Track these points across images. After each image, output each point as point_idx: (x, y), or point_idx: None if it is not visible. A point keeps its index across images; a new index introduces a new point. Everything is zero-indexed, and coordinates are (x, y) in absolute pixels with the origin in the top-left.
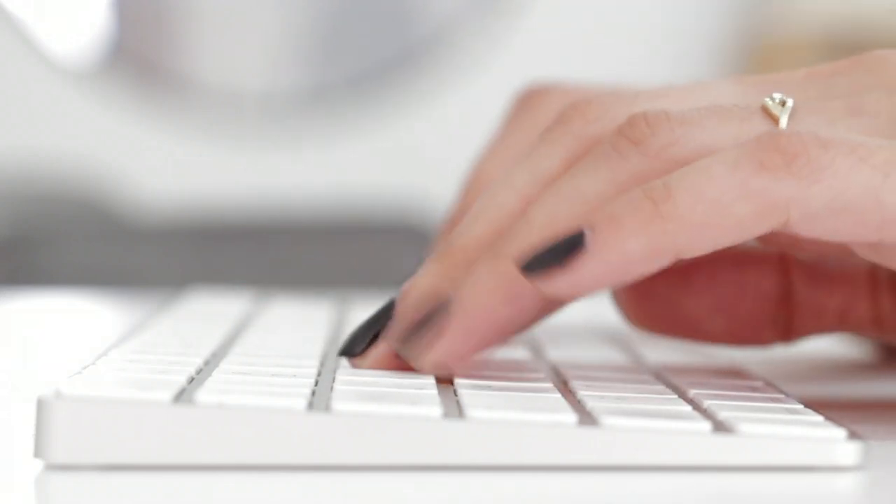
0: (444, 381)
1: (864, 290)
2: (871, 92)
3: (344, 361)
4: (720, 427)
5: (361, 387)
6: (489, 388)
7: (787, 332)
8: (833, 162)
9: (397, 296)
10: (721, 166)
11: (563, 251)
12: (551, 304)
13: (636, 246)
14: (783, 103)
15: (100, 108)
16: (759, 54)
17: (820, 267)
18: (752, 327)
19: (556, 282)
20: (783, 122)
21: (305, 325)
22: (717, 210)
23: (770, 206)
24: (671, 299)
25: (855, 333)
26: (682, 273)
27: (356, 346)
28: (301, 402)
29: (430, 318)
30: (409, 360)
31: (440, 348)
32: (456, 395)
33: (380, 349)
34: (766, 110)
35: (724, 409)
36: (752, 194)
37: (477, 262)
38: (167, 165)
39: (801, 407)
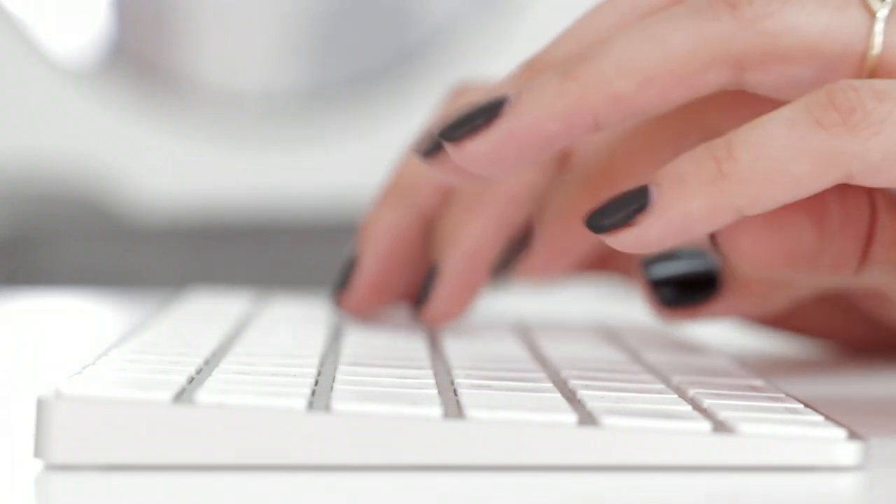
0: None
1: None
2: None
3: (343, 360)
4: (720, 427)
5: (361, 387)
6: (489, 388)
7: (863, 265)
8: (890, 114)
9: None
10: (779, 124)
11: (628, 207)
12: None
13: (699, 205)
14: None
15: (100, 108)
16: None
17: (891, 193)
18: (851, 254)
19: (622, 238)
20: (881, 19)
21: (305, 325)
22: (777, 168)
23: (829, 163)
24: (793, 227)
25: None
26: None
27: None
28: (301, 402)
29: (484, 109)
30: (447, 141)
31: (478, 142)
32: (456, 395)
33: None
34: (864, 3)
35: (724, 408)
36: (811, 152)
37: (545, 77)
38: (167, 165)
39: (801, 407)
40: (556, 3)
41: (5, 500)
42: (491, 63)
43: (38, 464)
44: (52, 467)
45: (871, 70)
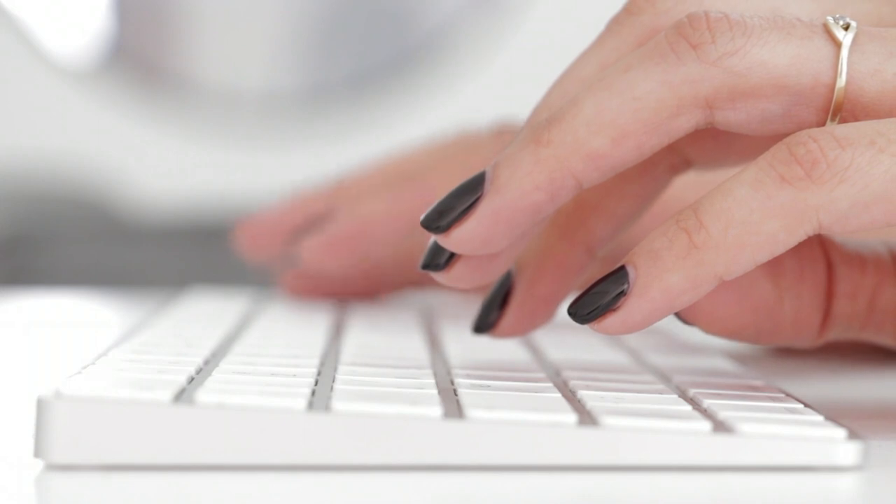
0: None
1: (892, 273)
2: None
3: (343, 360)
4: (720, 427)
5: (361, 387)
6: (489, 388)
7: (826, 318)
8: (853, 160)
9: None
10: (744, 186)
11: (609, 294)
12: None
13: (678, 279)
14: (846, 26)
15: (100, 108)
16: None
17: (850, 246)
18: (810, 311)
19: (608, 324)
20: (845, 50)
21: (305, 325)
22: (749, 231)
23: (799, 217)
24: (752, 287)
25: (878, 329)
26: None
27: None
28: (301, 402)
29: (462, 194)
30: (434, 233)
31: (467, 227)
32: (456, 395)
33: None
34: (828, 31)
35: (724, 408)
36: (780, 209)
37: (516, 142)
38: (167, 165)
39: (801, 406)
40: (556, 3)
41: (5, 500)
42: (491, 63)
43: (38, 464)
44: (52, 467)
45: (839, 100)
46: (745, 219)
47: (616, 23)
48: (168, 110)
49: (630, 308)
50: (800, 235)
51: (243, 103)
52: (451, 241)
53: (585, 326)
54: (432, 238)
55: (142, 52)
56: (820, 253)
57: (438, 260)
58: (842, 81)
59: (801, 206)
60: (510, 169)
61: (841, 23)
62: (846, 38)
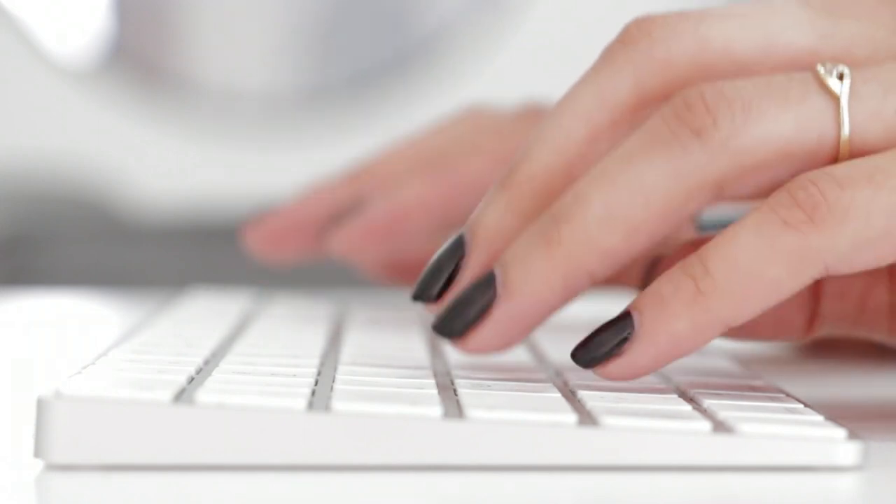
0: (444, 384)
1: (884, 278)
2: None
3: (343, 360)
4: (720, 427)
5: (361, 387)
6: (489, 388)
7: (812, 318)
8: (853, 199)
9: (465, 230)
10: (748, 233)
11: (614, 339)
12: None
13: (684, 326)
14: (841, 76)
15: (100, 108)
16: None
17: None
18: (791, 308)
19: (612, 369)
20: (844, 102)
21: (305, 325)
22: (753, 277)
23: (803, 261)
24: None
25: (869, 327)
26: None
27: (431, 289)
28: (301, 402)
29: (472, 296)
30: (448, 339)
31: (484, 333)
32: (456, 395)
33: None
34: (822, 84)
35: (724, 408)
36: (783, 254)
37: (524, 243)
38: (167, 165)
39: (801, 407)
40: (556, 3)
41: (5, 500)
42: (491, 63)
43: (38, 464)
44: (52, 467)
45: (844, 151)
46: (750, 265)
47: (610, 53)
48: (168, 110)
49: (635, 353)
50: (805, 280)
51: (243, 103)
52: (469, 345)
53: (585, 326)
54: (428, 265)
55: (142, 52)
56: None
57: (431, 291)
58: (845, 133)
59: (805, 250)
60: (523, 272)
61: (834, 73)
62: (843, 90)
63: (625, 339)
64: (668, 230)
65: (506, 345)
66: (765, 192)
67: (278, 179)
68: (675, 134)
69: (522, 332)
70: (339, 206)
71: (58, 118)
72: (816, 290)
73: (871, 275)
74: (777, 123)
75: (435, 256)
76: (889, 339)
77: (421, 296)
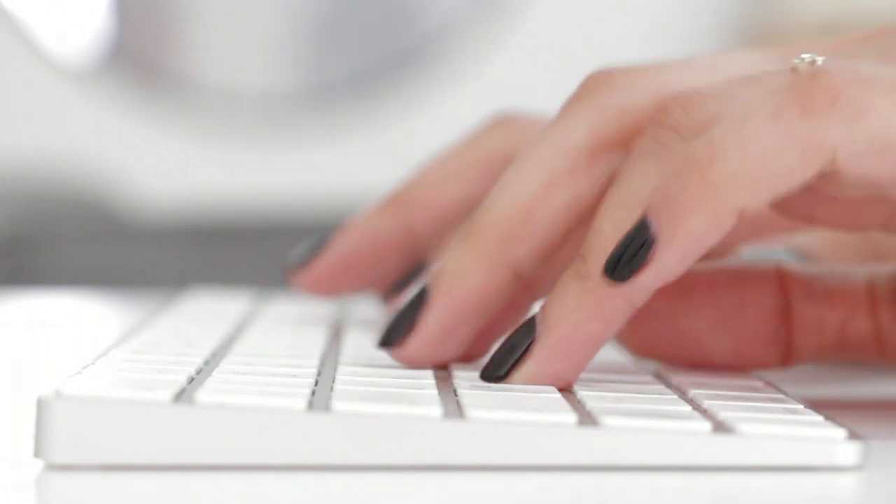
0: (445, 382)
1: (863, 305)
2: None
3: (343, 359)
4: (720, 427)
5: (361, 387)
6: (489, 388)
7: (789, 351)
8: (874, 100)
9: (428, 280)
10: (763, 117)
11: (636, 250)
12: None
13: (700, 221)
14: (813, 62)
15: (100, 108)
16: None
17: (818, 281)
18: (754, 344)
19: (642, 280)
20: (818, 59)
21: (305, 325)
22: (766, 162)
23: (817, 149)
24: (671, 318)
25: (855, 355)
26: (681, 291)
27: (394, 336)
28: (301, 402)
29: (514, 341)
30: (496, 381)
31: (530, 369)
32: (456, 395)
33: (418, 341)
34: (795, 72)
35: (724, 409)
36: (799, 140)
37: (561, 285)
38: (167, 165)
39: (801, 407)
40: (556, 3)
41: (5, 500)
42: (491, 63)
43: (38, 464)
44: (52, 467)
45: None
46: (763, 151)
47: (569, 103)
48: (168, 110)
49: (661, 260)
50: (815, 169)
51: (243, 103)
52: (516, 380)
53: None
54: (393, 313)
55: (142, 52)
56: (772, 289)
57: (395, 339)
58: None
59: (821, 138)
60: (559, 306)
61: (808, 59)
62: (817, 59)
63: (649, 246)
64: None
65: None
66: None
67: (278, 179)
68: (656, 139)
69: (574, 368)
70: (387, 237)
71: (58, 118)
72: (787, 325)
73: (848, 304)
74: (750, 101)
75: (399, 306)
76: (880, 362)
77: (385, 343)
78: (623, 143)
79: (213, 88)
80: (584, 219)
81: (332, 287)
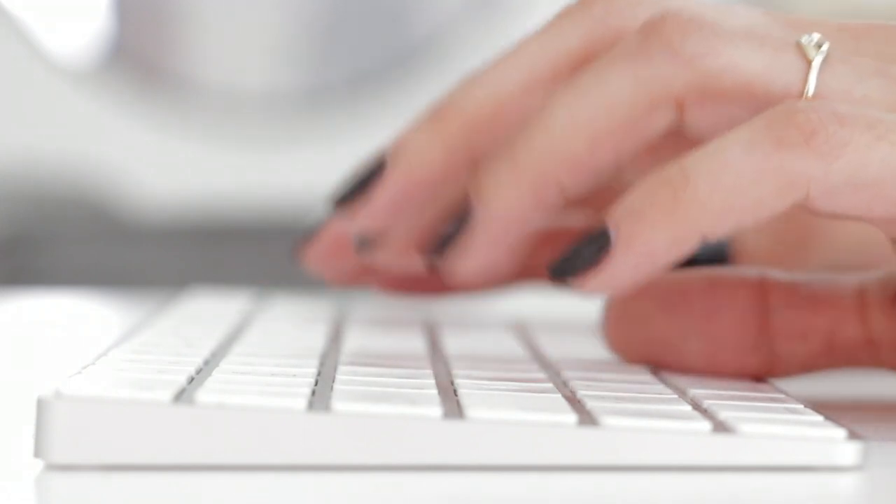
0: (444, 383)
1: (852, 311)
2: None
3: (343, 360)
4: (720, 427)
5: (361, 387)
6: (489, 388)
7: (772, 359)
8: (851, 138)
9: (387, 151)
10: (737, 147)
11: (591, 251)
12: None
13: (661, 236)
14: (819, 46)
15: (100, 108)
16: None
17: (802, 287)
18: (731, 351)
19: (590, 282)
20: (816, 65)
21: (305, 325)
22: (737, 192)
23: (790, 184)
24: (644, 320)
25: (847, 361)
26: (656, 293)
27: (345, 196)
28: (301, 402)
29: (456, 228)
30: (441, 271)
31: (469, 260)
32: (456, 395)
33: (366, 211)
34: (800, 48)
35: (724, 409)
36: (772, 173)
37: (493, 166)
38: (167, 165)
39: (801, 407)
40: (556, 3)
41: (5, 500)
42: None
43: (38, 464)
44: (52, 467)
45: None
46: (735, 180)
47: (565, 11)
48: (168, 110)
49: (612, 264)
50: (787, 203)
51: (243, 103)
52: (459, 276)
53: (585, 326)
54: (348, 176)
55: (142, 52)
56: (749, 294)
57: (344, 196)
58: (809, 94)
59: (795, 172)
60: (492, 187)
61: (813, 43)
62: (817, 57)
63: (601, 250)
64: (633, 145)
65: (488, 266)
66: (719, 133)
67: (278, 179)
68: (642, 44)
69: (505, 254)
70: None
71: (58, 118)
72: (769, 332)
73: (836, 310)
74: (747, 59)
75: (356, 171)
76: (874, 367)
77: (339, 204)
78: None
79: (214, 88)
80: None
81: (336, 262)
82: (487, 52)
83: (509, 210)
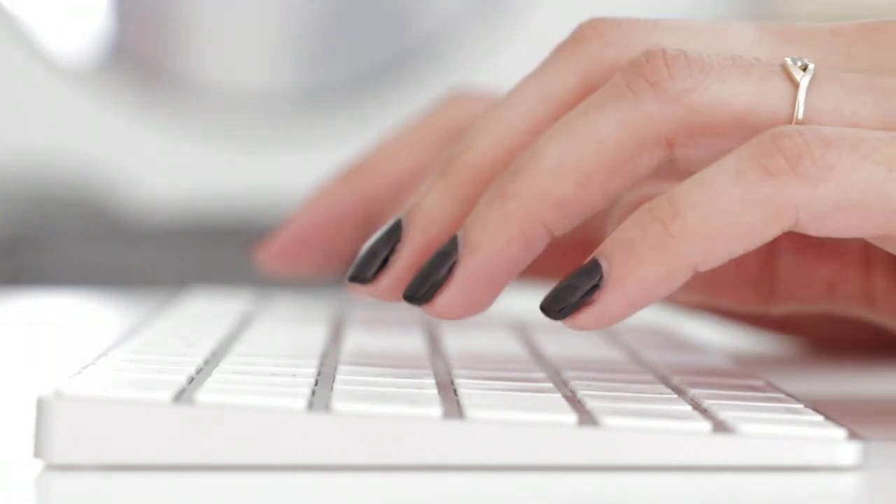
0: (445, 386)
1: (856, 265)
2: (892, 65)
3: (343, 360)
4: (720, 427)
5: (361, 387)
6: (489, 388)
7: (770, 296)
8: (837, 161)
9: (403, 216)
10: (724, 176)
11: (582, 288)
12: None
13: (653, 270)
14: (804, 67)
15: (100, 108)
16: None
17: (811, 237)
18: (731, 283)
19: (582, 319)
20: (803, 87)
21: (305, 325)
22: (727, 222)
23: (778, 211)
24: None
25: (844, 310)
26: None
27: (366, 272)
28: (301, 402)
29: (438, 262)
30: (417, 305)
31: (450, 294)
32: (456, 395)
33: (390, 278)
34: (786, 71)
35: (724, 408)
36: (760, 201)
37: (482, 203)
38: (167, 165)
39: (801, 407)
40: (556, 3)
41: (5, 501)
42: (489, 64)
43: (38, 464)
44: (52, 467)
45: None
46: (724, 210)
47: (560, 50)
48: (168, 110)
49: (605, 301)
50: (777, 229)
51: (243, 103)
52: (435, 309)
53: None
54: (363, 248)
55: (142, 52)
56: (767, 244)
57: (366, 273)
58: (799, 118)
59: (783, 199)
60: (480, 228)
61: (799, 63)
62: (804, 79)
63: (594, 288)
64: (622, 184)
65: (473, 306)
66: (712, 163)
67: (278, 179)
68: (630, 85)
69: (488, 292)
70: (343, 209)
71: (58, 118)
72: (773, 272)
73: (840, 263)
74: (734, 91)
75: (370, 241)
76: (868, 319)
77: (356, 277)
78: None
79: (214, 88)
80: None
81: (292, 262)
82: (487, 52)
83: (496, 252)
